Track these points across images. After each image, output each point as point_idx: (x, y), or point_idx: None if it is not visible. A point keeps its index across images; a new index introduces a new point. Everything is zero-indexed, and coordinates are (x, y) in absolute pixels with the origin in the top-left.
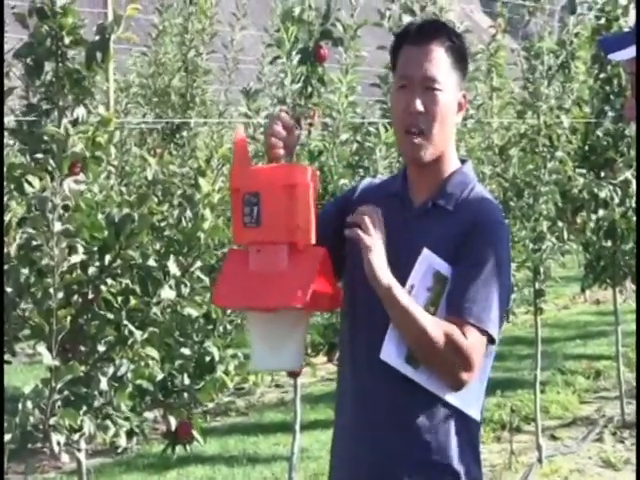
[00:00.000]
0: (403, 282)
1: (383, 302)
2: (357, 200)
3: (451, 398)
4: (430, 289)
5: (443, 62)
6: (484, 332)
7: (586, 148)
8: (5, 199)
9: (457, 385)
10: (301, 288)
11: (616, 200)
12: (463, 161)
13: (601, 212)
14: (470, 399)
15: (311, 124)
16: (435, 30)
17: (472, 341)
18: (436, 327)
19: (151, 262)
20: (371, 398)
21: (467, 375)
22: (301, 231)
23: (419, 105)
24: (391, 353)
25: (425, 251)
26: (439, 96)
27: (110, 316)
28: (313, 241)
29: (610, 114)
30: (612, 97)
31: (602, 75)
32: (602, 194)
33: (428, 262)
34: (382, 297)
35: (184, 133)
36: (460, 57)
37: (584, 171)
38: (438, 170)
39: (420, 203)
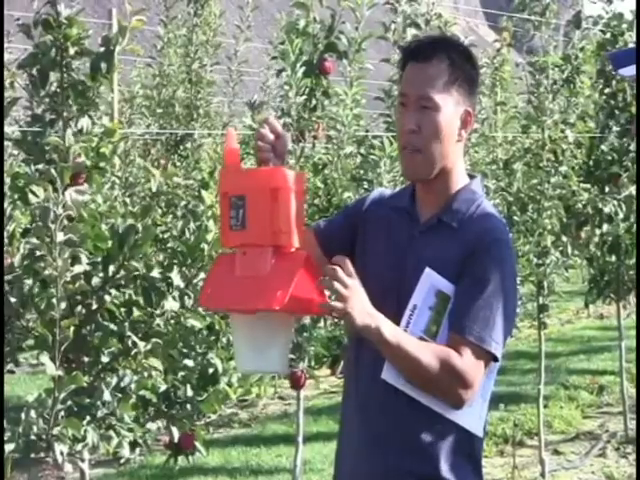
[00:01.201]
0: (407, 299)
1: (375, 344)
2: (367, 212)
3: (453, 415)
4: (432, 308)
5: (441, 80)
6: (485, 351)
7: (590, 163)
8: (9, 209)
9: (457, 404)
10: (279, 291)
11: (620, 215)
12: (472, 176)
13: (605, 227)
14: (472, 416)
15: (315, 137)
16: (435, 47)
17: (468, 361)
18: (430, 356)
19: (155, 273)
20: (374, 413)
21: (467, 394)
22: (284, 235)
23: (413, 124)
24: (392, 373)
25: (427, 270)
26: (434, 115)
27: (114, 327)
28: (297, 245)
29: (615, 129)
30: (617, 112)
31: (607, 90)
32: (606, 209)
33: (430, 281)
34: (373, 340)
35: (188, 145)
36: (463, 74)
37: (588, 186)
38: (445, 186)
39: (426, 219)
